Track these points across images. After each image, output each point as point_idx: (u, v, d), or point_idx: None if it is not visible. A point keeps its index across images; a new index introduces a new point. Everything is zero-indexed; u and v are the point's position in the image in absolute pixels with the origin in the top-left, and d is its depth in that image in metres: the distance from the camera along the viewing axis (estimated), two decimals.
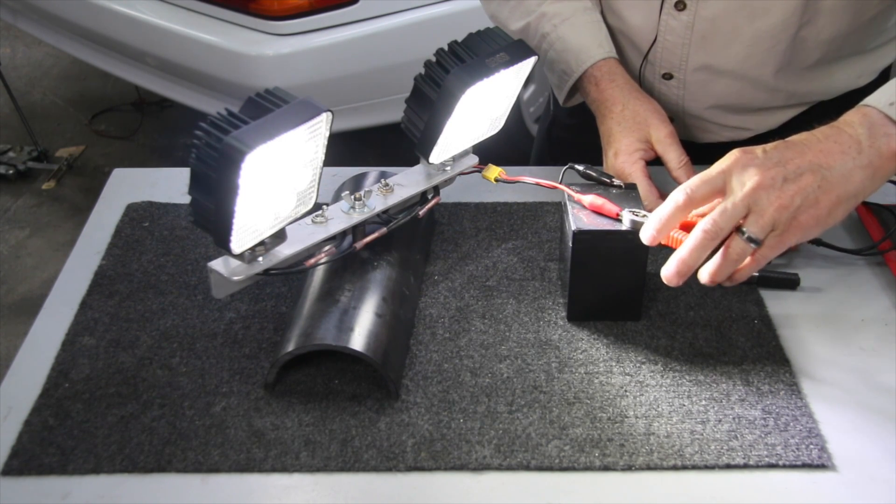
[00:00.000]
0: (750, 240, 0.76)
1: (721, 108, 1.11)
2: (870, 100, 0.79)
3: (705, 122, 1.13)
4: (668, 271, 0.79)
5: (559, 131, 1.32)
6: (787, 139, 0.79)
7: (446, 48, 0.88)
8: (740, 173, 0.76)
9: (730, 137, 1.13)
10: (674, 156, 0.98)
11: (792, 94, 1.09)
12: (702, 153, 1.04)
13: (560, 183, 0.92)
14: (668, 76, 1.09)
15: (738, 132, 1.13)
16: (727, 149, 0.98)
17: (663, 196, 0.86)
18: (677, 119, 1.13)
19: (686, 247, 0.77)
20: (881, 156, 0.77)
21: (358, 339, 0.81)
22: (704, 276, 0.79)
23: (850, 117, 0.79)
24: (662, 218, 0.79)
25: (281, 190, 0.80)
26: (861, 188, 0.77)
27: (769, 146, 0.78)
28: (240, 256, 0.81)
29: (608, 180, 0.93)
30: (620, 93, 1.03)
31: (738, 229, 0.76)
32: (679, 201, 0.79)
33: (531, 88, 2.60)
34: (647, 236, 0.81)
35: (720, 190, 0.78)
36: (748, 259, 0.78)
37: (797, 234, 0.77)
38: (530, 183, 0.95)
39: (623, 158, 0.99)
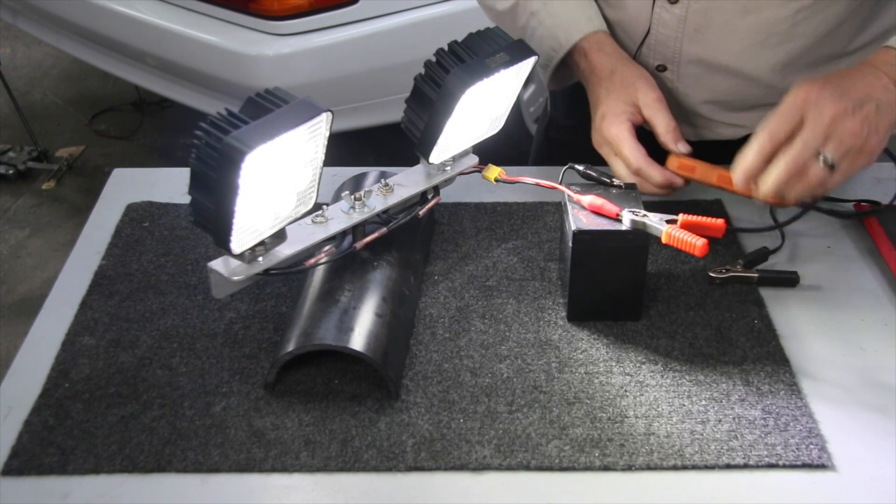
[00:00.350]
0: (827, 164, 0.83)
1: (716, 103, 1.11)
2: (894, 42, 0.89)
3: (701, 118, 1.13)
4: (763, 196, 0.86)
5: (556, 132, 1.32)
6: (836, 71, 0.88)
7: (446, 48, 0.88)
8: (816, 105, 0.83)
9: (725, 135, 1.13)
10: (662, 120, 0.98)
11: (788, 91, 1.09)
12: (697, 151, 1.04)
13: (560, 183, 0.92)
14: (661, 68, 1.09)
15: (734, 129, 1.13)
16: (722, 146, 0.99)
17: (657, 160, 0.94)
18: (672, 113, 1.13)
19: (773, 180, 0.84)
20: None
21: (358, 339, 0.81)
22: (775, 201, 0.87)
23: (883, 57, 0.88)
24: (750, 160, 0.86)
25: (281, 190, 0.80)
26: None
27: (828, 77, 0.86)
28: (240, 256, 0.81)
29: (608, 180, 0.93)
30: (609, 60, 1.03)
31: (815, 155, 0.83)
32: (764, 143, 0.85)
33: (531, 88, 2.59)
34: (739, 180, 0.87)
35: (798, 124, 0.84)
36: (826, 185, 0.85)
37: (865, 159, 0.85)
38: (530, 183, 0.95)
39: (609, 120, 0.99)
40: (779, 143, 0.85)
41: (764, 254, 0.97)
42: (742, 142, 0.98)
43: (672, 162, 0.98)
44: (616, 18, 1.09)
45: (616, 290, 0.90)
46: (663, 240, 0.84)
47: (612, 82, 1.02)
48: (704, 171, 0.97)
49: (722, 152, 1.00)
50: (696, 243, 0.82)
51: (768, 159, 0.85)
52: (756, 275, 0.94)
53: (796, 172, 0.84)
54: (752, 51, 1.03)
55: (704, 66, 1.07)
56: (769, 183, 0.85)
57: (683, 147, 0.98)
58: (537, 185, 0.95)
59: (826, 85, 0.85)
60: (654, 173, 0.96)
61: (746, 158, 0.86)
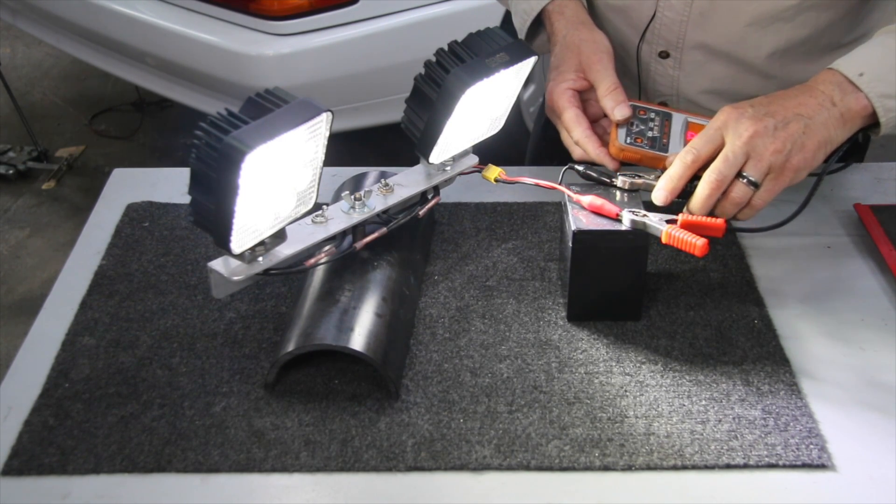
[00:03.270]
0: (750, 183, 0.85)
1: (715, 93, 1.11)
2: (839, 65, 0.89)
3: (700, 109, 1.13)
4: (694, 212, 0.87)
5: (555, 131, 1.32)
6: (767, 95, 0.89)
7: (446, 48, 0.88)
8: (735, 126, 0.86)
9: None
10: (602, 82, 0.97)
11: (785, 82, 1.09)
12: None
13: (560, 183, 0.92)
14: (664, 54, 1.09)
15: None
16: None
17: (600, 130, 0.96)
18: (672, 103, 1.13)
19: (698, 197, 0.86)
20: (850, 111, 0.88)
21: (358, 339, 0.81)
22: (719, 215, 0.87)
23: (822, 77, 0.90)
24: (673, 178, 0.88)
25: (281, 190, 0.80)
26: (836, 135, 0.88)
27: (754, 101, 0.88)
28: (240, 256, 0.81)
29: (608, 180, 0.92)
30: (564, 25, 1.03)
31: (738, 175, 0.85)
32: (687, 160, 0.87)
33: (531, 88, 2.59)
34: (659, 198, 0.88)
35: (720, 144, 0.86)
36: (753, 205, 0.87)
37: (789, 176, 0.86)
38: (530, 183, 0.95)
39: (552, 86, 0.99)
40: (701, 162, 0.87)
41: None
42: None
43: (614, 150, 0.94)
44: (621, 4, 1.09)
45: (616, 290, 0.90)
46: (663, 240, 0.84)
47: (562, 47, 1.01)
48: (650, 161, 0.95)
49: None
50: (696, 243, 0.82)
51: (689, 175, 0.87)
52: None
53: (718, 190, 0.85)
54: (754, 36, 1.04)
55: (706, 51, 1.07)
56: (695, 200, 0.86)
57: (620, 112, 0.95)
58: (537, 185, 0.95)
59: (749, 107, 0.87)
60: (591, 149, 0.94)
61: (671, 176, 0.88)
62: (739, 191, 0.86)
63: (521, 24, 1.10)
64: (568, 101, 0.97)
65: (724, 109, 0.88)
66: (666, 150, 0.94)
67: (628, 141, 0.94)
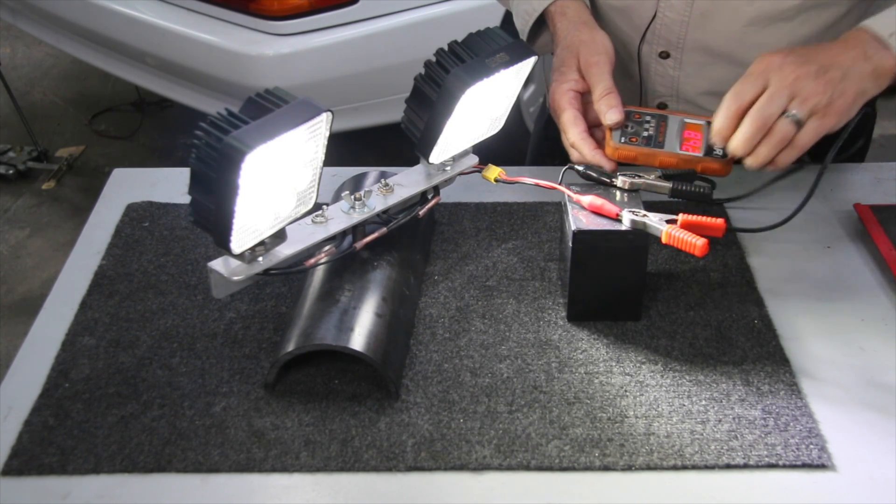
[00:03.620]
0: (796, 121, 0.87)
1: (715, 94, 1.10)
2: (869, 25, 0.91)
3: (699, 110, 1.13)
4: (732, 151, 0.89)
5: (556, 131, 1.32)
6: (802, 46, 0.92)
7: (446, 48, 0.88)
8: (779, 69, 0.88)
9: None
10: (597, 85, 0.96)
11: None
12: None
13: (560, 183, 0.92)
14: (664, 55, 1.09)
15: None
16: None
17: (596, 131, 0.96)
18: (672, 104, 1.13)
19: (741, 137, 0.88)
20: (882, 67, 0.90)
21: (358, 339, 0.81)
22: (751, 161, 0.89)
23: (853, 34, 0.92)
24: (721, 128, 0.89)
25: (281, 190, 0.80)
26: (869, 89, 0.90)
27: (790, 50, 0.90)
28: (240, 256, 0.81)
29: (608, 180, 0.92)
30: (565, 25, 1.03)
31: (782, 114, 0.87)
32: (731, 108, 0.89)
33: (531, 88, 2.59)
34: (717, 144, 0.91)
35: (762, 88, 0.88)
36: (794, 145, 0.88)
37: (833, 120, 0.88)
38: (530, 183, 0.95)
39: (553, 88, 0.99)
40: (745, 105, 0.88)
41: (690, 174, 0.94)
42: None
43: (609, 151, 0.95)
44: (622, 5, 1.09)
45: (616, 290, 0.90)
46: (663, 240, 0.84)
47: (563, 48, 1.01)
48: (646, 158, 0.95)
49: None
50: (696, 243, 0.82)
51: (737, 120, 0.89)
52: (670, 184, 0.92)
53: (763, 128, 0.87)
54: (755, 36, 1.04)
55: (707, 53, 1.07)
56: (738, 139, 0.88)
57: (611, 117, 0.94)
58: (537, 185, 0.95)
59: (790, 54, 0.89)
60: (587, 151, 0.95)
61: (717, 120, 0.90)
62: (783, 128, 0.87)
63: (523, 26, 1.10)
64: (568, 103, 0.97)
65: (760, 57, 0.89)
66: (662, 147, 0.94)
67: (623, 140, 0.94)
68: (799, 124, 0.87)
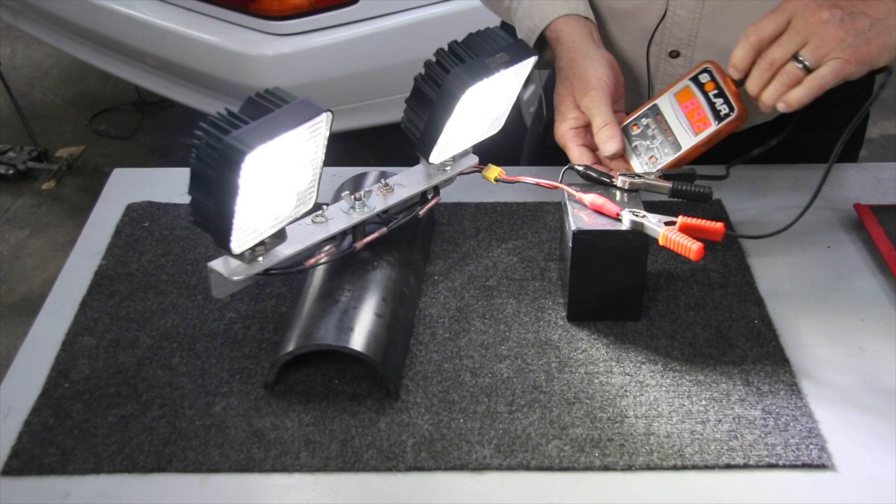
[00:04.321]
0: (804, 67, 0.88)
1: None
2: None
3: None
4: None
5: (553, 140, 1.32)
6: None
7: (446, 48, 0.88)
8: (804, 10, 0.88)
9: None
10: (594, 119, 0.97)
11: None
12: None
13: (560, 183, 0.92)
14: (674, 54, 1.08)
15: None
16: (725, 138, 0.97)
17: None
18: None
19: (752, 76, 0.90)
20: None
21: (358, 339, 0.81)
22: (763, 99, 0.91)
23: None
24: (738, 59, 0.91)
25: (281, 190, 0.80)
26: None
27: None
28: (240, 256, 0.81)
29: (608, 180, 0.92)
30: (561, 53, 1.02)
31: (794, 57, 0.88)
32: (750, 41, 0.90)
33: (531, 88, 2.59)
34: (735, 74, 0.93)
35: (783, 25, 0.89)
36: (808, 80, 0.88)
37: (852, 67, 0.87)
38: (530, 183, 0.95)
39: (555, 127, 1.00)
40: (765, 39, 0.90)
41: (690, 175, 0.95)
42: (743, 134, 0.97)
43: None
44: (630, 6, 1.08)
45: (616, 290, 0.90)
46: (660, 242, 0.84)
47: (560, 82, 1.01)
48: (679, 163, 0.96)
49: (719, 147, 1.00)
50: (691, 247, 0.82)
51: (755, 53, 0.91)
52: (669, 184, 0.92)
53: (770, 68, 0.89)
54: None
55: (718, 50, 1.06)
56: (752, 75, 0.90)
57: (609, 148, 0.95)
58: (537, 184, 0.95)
59: None
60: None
61: (735, 53, 0.92)
62: (791, 71, 0.88)
63: (527, 41, 1.09)
64: (571, 140, 0.98)
65: None
66: (678, 143, 0.96)
67: (646, 168, 0.96)
68: (807, 70, 0.88)
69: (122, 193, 1.10)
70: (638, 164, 0.97)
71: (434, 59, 0.88)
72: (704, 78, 0.97)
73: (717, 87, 0.96)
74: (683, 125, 0.96)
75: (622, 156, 0.97)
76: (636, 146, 0.97)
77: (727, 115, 0.95)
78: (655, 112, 0.97)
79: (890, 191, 1.11)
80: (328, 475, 0.77)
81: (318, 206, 0.87)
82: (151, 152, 3.14)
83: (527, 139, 1.41)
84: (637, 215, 0.86)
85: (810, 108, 1.11)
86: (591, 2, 1.10)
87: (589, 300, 0.91)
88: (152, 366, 0.86)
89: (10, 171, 2.98)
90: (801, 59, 0.88)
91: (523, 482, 0.76)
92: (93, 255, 1.01)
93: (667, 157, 0.96)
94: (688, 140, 0.96)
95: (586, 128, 0.99)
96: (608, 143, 0.95)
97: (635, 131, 0.97)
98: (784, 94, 0.90)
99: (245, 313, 0.92)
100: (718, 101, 0.95)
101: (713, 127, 0.95)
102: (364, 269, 0.90)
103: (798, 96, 0.89)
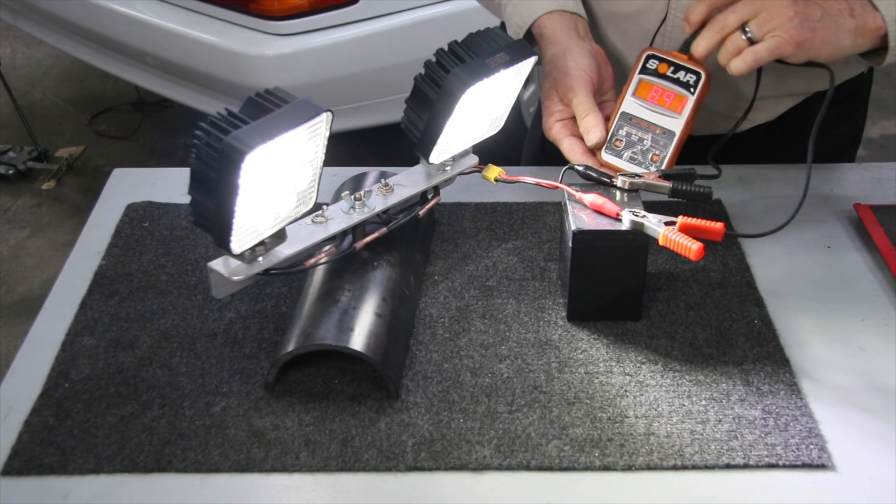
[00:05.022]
0: (749, 39, 0.90)
1: (726, 94, 1.10)
2: None
3: (711, 115, 1.12)
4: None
5: (552, 143, 1.32)
6: None
7: (446, 48, 0.88)
8: None
9: (728, 129, 1.13)
10: (576, 109, 0.97)
11: (794, 82, 1.09)
12: (697, 147, 1.04)
13: (560, 183, 0.92)
14: None
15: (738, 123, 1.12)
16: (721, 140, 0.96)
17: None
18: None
19: (699, 37, 0.93)
20: (865, 27, 0.91)
21: (358, 339, 0.81)
22: (718, 58, 0.93)
23: None
24: (693, 15, 0.94)
25: (281, 190, 0.80)
26: (844, 43, 0.91)
27: None
28: (240, 256, 0.81)
29: (608, 180, 0.92)
30: (544, 48, 1.03)
31: (743, 26, 0.90)
32: (705, 1, 0.93)
33: (531, 88, 2.59)
34: (685, 27, 0.95)
35: None
36: (745, 52, 0.90)
37: (790, 48, 0.89)
38: (530, 183, 0.95)
39: (543, 121, 1.00)
40: (720, 3, 0.92)
41: (690, 175, 0.95)
42: (741, 136, 0.96)
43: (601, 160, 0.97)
44: (629, 10, 1.08)
45: (616, 290, 0.90)
46: (660, 242, 0.84)
47: (544, 77, 1.02)
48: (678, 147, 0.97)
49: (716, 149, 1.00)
50: (691, 247, 0.82)
51: (707, 14, 0.93)
52: (669, 184, 0.92)
53: (718, 33, 0.91)
54: None
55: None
56: (702, 34, 0.93)
57: (591, 138, 0.95)
58: (537, 184, 0.95)
59: None
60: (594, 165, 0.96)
61: (693, 7, 0.94)
62: (735, 40, 0.90)
63: (515, 37, 1.09)
64: (559, 133, 0.98)
65: None
66: (673, 133, 0.96)
67: (654, 168, 0.96)
68: (752, 42, 0.90)
69: (122, 193, 1.10)
70: (645, 170, 0.97)
71: (434, 59, 0.88)
72: (652, 64, 0.98)
73: (670, 63, 0.97)
74: (663, 113, 0.96)
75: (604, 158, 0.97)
76: (630, 157, 0.97)
77: (697, 81, 0.96)
78: (627, 118, 0.97)
79: (890, 191, 1.11)
80: (328, 475, 0.77)
81: (318, 206, 0.87)
82: (151, 152, 3.14)
83: (527, 139, 1.41)
84: (637, 215, 0.86)
85: (810, 108, 1.11)
86: (588, 5, 1.10)
87: (589, 300, 0.91)
88: (152, 366, 0.86)
89: (10, 171, 2.98)
90: (747, 30, 0.90)
91: (523, 482, 0.76)
92: (93, 255, 1.01)
93: (667, 148, 0.96)
94: (676, 123, 0.96)
95: (573, 119, 0.99)
96: (590, 132, 0.96)
97: (619, 146, 0.97)
98: (728, 60, 0.91)
99: (245, 313, 0.92)
100: (681, 74, 0.96)
101: (691, 99, 0.96)
102: (364, 269, 0.90)
103: (736, 66, 0.91)
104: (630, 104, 0.97)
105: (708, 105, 1.10)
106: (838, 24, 0.90)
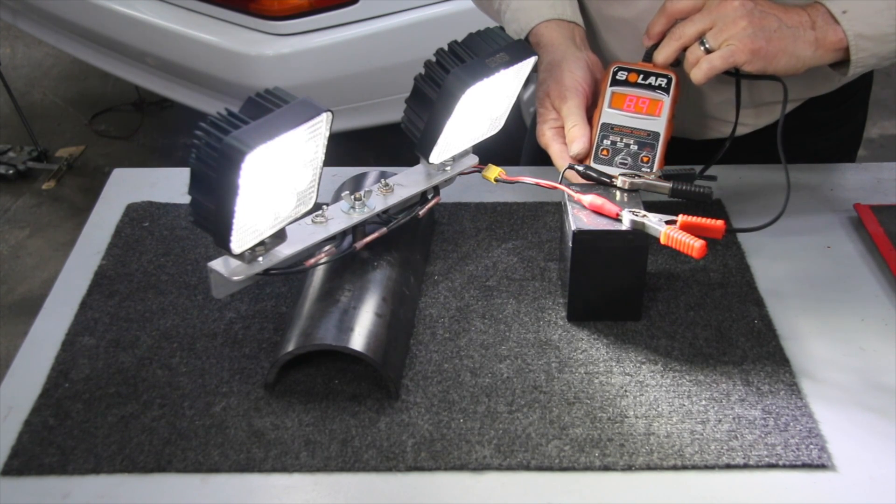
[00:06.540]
0: (707, 50, 0.91)
1: (726, 100, 1.10)
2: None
3: (706, 119, 1.12)
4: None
5: None
6: None
7: (446, 48, 0.88)
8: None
9: (725, 133, 1.13)
10: (566, 120, 0.97)
11: (800, 82, 1.08)
12: (695, 151, 1.04)
13: (560, 183, 0.92)
14: (674, 62, 1.08)
15: (738, 127, 1.12)
16: (721, 146, 0.96)
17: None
18: (680, 114, 1.12)
19: (660, 49, 0.95)
20: (825, 40, 0.92)
21: (358, 339, 0.81)
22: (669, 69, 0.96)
23: (812, 6, 0.94)
24: (653, 27, 0.96)
25: (281, 190, 0.80)
26: (803, 55, 0.92)
27: None
28: (240, 256, 0.81)
29: (608, 180, 0.92)
30: (541, 56, 1.03)
31: (700, 41, 0.92)
32: (666, 11, 0.95)
33: (531, 88, 2.59)
34: (645, 39, 0.97)
35: (702, 3, 0.92)
36: (701, 61, 0.92)
37: (744, 56, 0.90)
38: (530, 183, 0.95)
39: (537, 128, 1.00)
40: (679, 13, 0.94)
41: (690, 175, 0.95)
42: (740, 141, 0.96)
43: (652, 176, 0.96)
44: (627, 15, 1.08)
45: (616, 290, 0.90)
46: (662, 241, 0.84)
47: (538, 85, 1.02)
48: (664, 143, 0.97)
49: (717, 152, 1.00)
50: (693, 245, 0.82)
51: (667, 26, 0.95)
52: (669, 184, 0.92)
53: (676, 42, 0.93)
54: None
55: None
56: (662, 45, 0.95)
57: (574, 148, 0.95)
58: (537, 185, 0.95)
59: None
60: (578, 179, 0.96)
61: (651, 23, 0.96)
62: (694, 52, 0.92)
63: None
64: (551, 140, 0.98)
65: None
66: (658, 134, 0.96)
67: (646, 170, 0.96)
68: (709, 52, 0.91)
69: (122, 193, 1.10)
70: (638, 173, 0.96)
71: (434, 59, 0.88)
72: (622, 75, 0.98)
73: (639, 72, 0.97)
74: (642, 118, 0.96)
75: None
76: (620, 162, 0.96)
77: (669, 83, 0.96)
78: (609, 128, 0.97)
79: (890, 191, 1.11)
80: (328, 475, 0.77)
81: (318, 206, 0.87)
82: (151, 152, 3.14)
83: (527, 139, 1.41)
84: (637, 215, 0.86)
85: (809, 109, 1.11)
86: (587, 11, 1.10)
87: (589, 300, 0.91)
88: (152, 366, 0.86)
89: (10, 171, 2.98)
90: (704, 41, 0.91)
91: (523, 482, 0.76)
92: (93, 255, 1.01)
93: (655, 150, 0.96)
94: (658, 124, 0.96)
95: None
96: (573, 143, 0.96)
97: (606, 155, 0.96)
98: (689, 70, 0.93)
99: (245, 313, 0.92)
100: (652, 80, 0.97)
101: (667, 99, 0.96)
102: (364, 269, 0.90)
103: (695, 75, 0.92)
104: (609, 115, 0.97)
105: (699, 109, 1.11)
106: (796, 35, 0.91)
